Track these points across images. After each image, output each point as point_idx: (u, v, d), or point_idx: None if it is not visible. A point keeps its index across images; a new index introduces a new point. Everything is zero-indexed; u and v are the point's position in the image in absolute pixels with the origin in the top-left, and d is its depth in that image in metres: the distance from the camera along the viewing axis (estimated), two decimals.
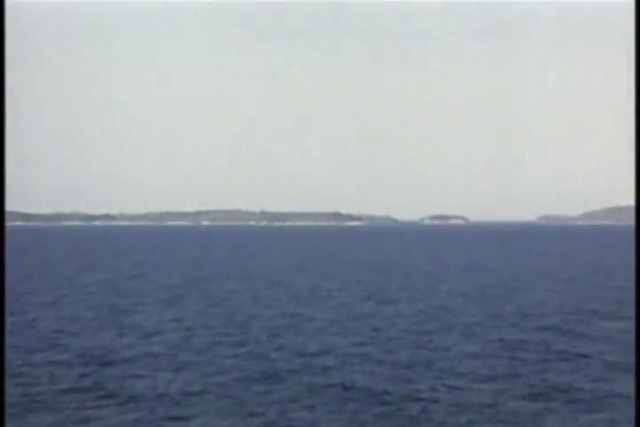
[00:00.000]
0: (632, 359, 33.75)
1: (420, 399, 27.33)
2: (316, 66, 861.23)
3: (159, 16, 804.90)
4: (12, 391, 27.27)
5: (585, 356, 34.94)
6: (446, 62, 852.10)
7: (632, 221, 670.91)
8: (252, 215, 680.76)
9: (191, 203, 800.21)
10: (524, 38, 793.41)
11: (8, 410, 23.62)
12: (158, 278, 77.55)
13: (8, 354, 31.55)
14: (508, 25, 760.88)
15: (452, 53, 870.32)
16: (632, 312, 49.92)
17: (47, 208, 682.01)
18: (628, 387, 28.52)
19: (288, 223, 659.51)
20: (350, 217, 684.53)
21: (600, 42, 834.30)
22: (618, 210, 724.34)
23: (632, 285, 69.98)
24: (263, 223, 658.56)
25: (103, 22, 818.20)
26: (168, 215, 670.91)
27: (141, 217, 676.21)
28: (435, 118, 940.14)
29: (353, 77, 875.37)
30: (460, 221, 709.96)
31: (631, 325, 44.33)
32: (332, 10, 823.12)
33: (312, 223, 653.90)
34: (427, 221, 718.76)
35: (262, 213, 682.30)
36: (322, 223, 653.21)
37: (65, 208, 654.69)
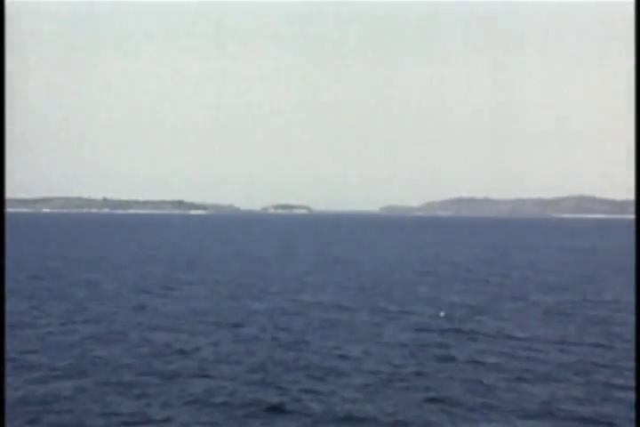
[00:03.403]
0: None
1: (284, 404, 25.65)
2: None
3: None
4: None
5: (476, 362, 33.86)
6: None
7: (472, 213, 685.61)
8: (93, 203, 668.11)
9: (30, 189, 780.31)
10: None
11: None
12: None
13: None
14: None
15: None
16: (493, 304, 49.52)
17: None
18: (491, 379, 27.54)
19: (131, 211, 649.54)
20: (194, 206, 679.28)
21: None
22: (458, 201, 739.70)
23: (482, 277, 70.00)
24: (105, 211, 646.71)
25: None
26: (6, 202, 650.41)
27: None
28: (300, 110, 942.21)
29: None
30: (303, 211, 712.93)
31: (496, 323, 43.74)
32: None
33: (155, 211, 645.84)
34: (271, 211, 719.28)
35: (105, 200, 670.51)
36: (165, 211, 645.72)
37: None
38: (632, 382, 28.62)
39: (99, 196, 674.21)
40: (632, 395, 26.97)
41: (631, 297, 55.24)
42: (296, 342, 36.37)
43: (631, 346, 35.72)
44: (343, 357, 32.88)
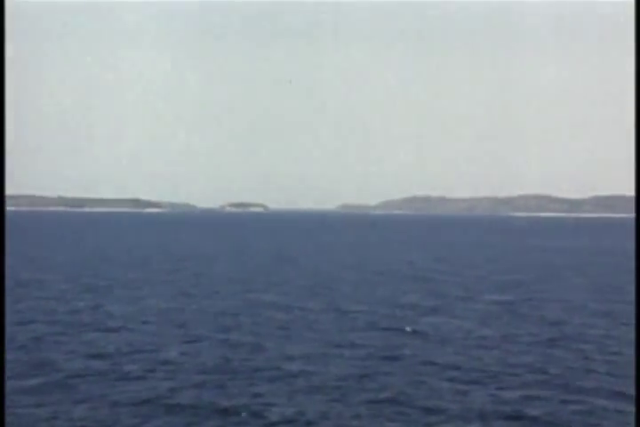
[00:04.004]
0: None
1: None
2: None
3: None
4: None
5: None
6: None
7: (428, 211, 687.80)
8: (49, 201, 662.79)
9: None
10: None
11: None
12: None
13: None
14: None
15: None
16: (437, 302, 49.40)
17: None
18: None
19: (86, 209, 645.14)
20: (150, 204, 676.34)
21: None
22: (414, 200, 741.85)
23: (442, 277, 69.95)
24: (61, 209, 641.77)
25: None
26: None
27: None
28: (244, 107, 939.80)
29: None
30: (259, 209, 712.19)
31: (448, 320, 43.61)
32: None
33: (112, 209, 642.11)
34: (227, 209, 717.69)
35: (60, 198, 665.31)
36: (122, 209, 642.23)
37: None
38: (581, 383, 28.60)
39: (53, 194, 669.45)
40: (580, 396, 26.92)
41: (580, 297, 55.45)
42: (244, 342, 35.96)
43: (580, 346, 35.74)
44: (291, 358, 32.51)
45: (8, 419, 23.33)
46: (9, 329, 38.39)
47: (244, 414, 24.61)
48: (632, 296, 55.78)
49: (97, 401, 25.69)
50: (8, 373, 28.84)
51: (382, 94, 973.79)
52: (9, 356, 31.71)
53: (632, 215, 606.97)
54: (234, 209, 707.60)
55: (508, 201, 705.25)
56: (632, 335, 38.63)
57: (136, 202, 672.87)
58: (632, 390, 27.24)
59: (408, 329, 40.19)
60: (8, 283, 60.59)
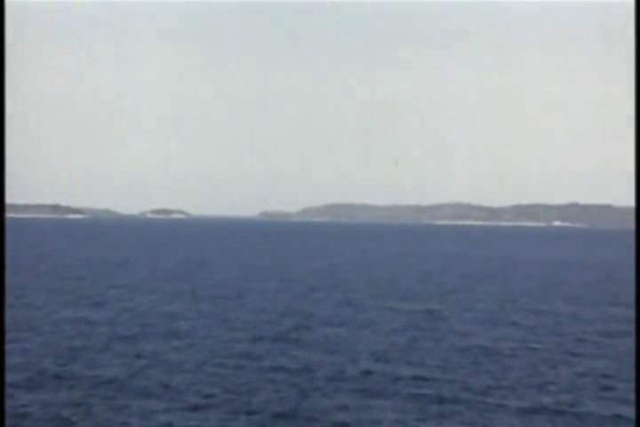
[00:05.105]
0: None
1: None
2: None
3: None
4: None
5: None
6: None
7: (349, 219, 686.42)
8: None
9: None
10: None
11: None
12: None
13: None
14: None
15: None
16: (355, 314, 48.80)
17: None
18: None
19: (7, 216, 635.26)
20: (70, 210, 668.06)
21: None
22: (335, 207, 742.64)
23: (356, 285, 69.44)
24: None
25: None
26: None
27: None
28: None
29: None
30: (181, 216, 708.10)
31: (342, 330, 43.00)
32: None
33: (32, 215, 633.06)
34: (148, 215, 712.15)
35: None
36: (42, 216, 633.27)
37: None
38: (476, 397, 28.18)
39: None
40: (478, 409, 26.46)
41: (483, 307, 55.31)
42: (129, 353, 34.99)
43: (476, 358, 35.38)
44: (180, 368, 31.63)
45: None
46: None
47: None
48: (533, 306, 55.91)
49: None
50: None
51: (307, 99, 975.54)
52: None
53: (553, 224, 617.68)
54: (155, 215, 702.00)
55: (430, 209, 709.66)
56: (539, 345, 38.47)
57: (56, 208, 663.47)
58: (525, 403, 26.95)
59: (292, 337, 39.80)
60: None
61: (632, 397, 27.91)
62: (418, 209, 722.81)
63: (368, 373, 31.73)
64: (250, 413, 25.84)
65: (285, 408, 26.37)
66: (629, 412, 25.72)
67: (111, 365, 32.54)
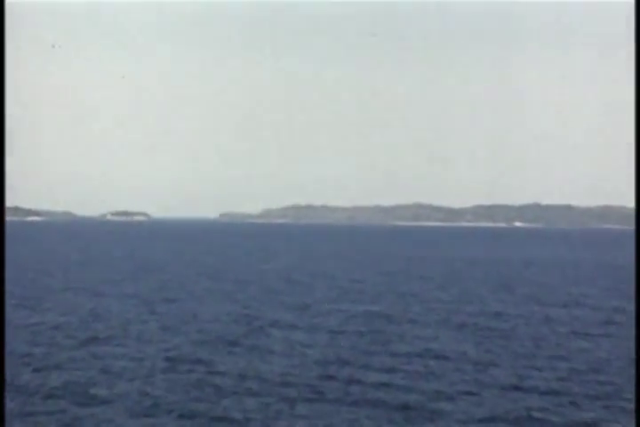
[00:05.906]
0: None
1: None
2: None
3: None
4: None
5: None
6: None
7: (310, 220, 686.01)
8: None
9: None
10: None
11: None
12: None
13: None
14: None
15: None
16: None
17: None
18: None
19: None
20: (30, 212, 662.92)
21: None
22: (296, 208, 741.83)
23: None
24: None
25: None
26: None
27: None
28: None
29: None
30: (142, 218, 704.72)
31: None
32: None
33: None
34: (108, 217, 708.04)
35: None
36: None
37: None
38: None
39: None
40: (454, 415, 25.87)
41: (440, 308, 54.83)
42: (75, 358, 34.07)
43: (428, 362, 34.82)
44: (127, 373, 30.77)
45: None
46: None
47: None
48: (489, 307, 55.53)
49: None
50: None
51: (276, 100, 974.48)
52: None
53: (514, 224, 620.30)
54: (116, 218, 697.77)
55: (390, 210, 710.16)
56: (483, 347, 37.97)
57: (17, 210, 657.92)
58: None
59: (238, 341, 39.14)
60: None
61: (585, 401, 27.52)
62: (378, 210, 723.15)
63: (322, 377, 31.04)
64: (198, 419, 25.13)
65: (236, 415, 25.65)
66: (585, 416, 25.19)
67: (56, 371, 31.65)
